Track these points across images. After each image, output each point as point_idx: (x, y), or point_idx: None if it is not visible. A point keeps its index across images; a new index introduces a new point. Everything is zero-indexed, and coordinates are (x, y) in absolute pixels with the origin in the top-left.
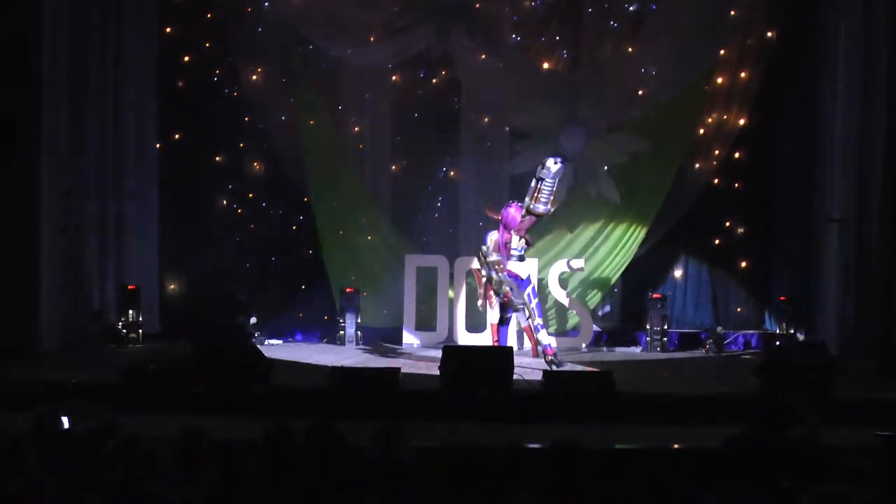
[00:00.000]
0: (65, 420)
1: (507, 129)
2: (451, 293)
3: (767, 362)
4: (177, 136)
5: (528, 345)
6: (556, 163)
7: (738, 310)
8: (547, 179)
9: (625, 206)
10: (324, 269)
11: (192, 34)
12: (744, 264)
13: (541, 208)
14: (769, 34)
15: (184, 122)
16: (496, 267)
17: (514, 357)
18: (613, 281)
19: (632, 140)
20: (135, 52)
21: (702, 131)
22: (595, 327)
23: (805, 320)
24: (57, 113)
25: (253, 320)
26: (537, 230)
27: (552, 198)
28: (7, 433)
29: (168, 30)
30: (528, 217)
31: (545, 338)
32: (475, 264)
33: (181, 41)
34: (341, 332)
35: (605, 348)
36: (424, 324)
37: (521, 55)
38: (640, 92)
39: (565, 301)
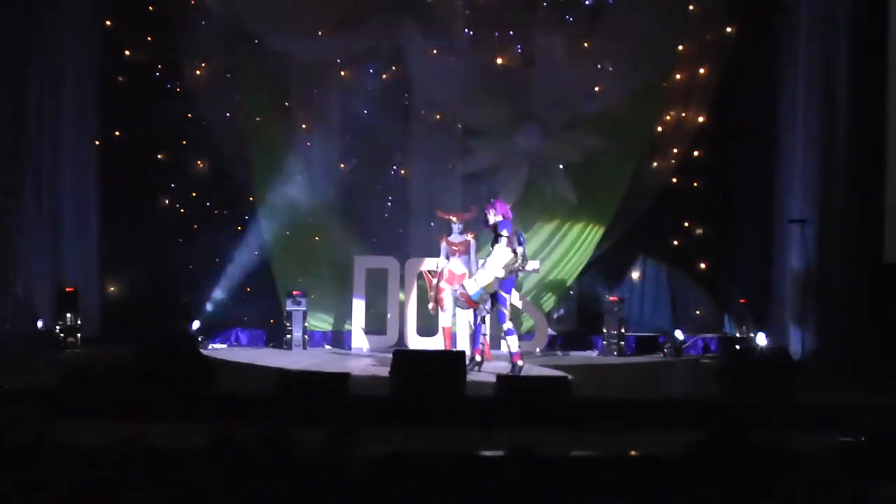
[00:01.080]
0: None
1: (460, 126)
2: (401, 296)
3: (727, 366)
4: (117, 133)
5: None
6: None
7: (698, 312)
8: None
9: (581, 205)
10: (270, 271)
11: (134, 27)
12: (703, 266)
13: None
14: (728, 29)
15: (124, 118)
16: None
17: (466, 361)
18: (569, 283)
19: (588, 138)
20: (73, 45)
21: (660, 129)
22: (550, 331)
23: (765, 323)
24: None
25: (196, 324)
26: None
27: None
28: None
29: (108, 23)
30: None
31: (516, 343)
32: (424, 266)
33: (122, 35)
34: (288, 336)
35: (560, 352)
36: (374, 327)
37: (474, 50)
38: (597, 88)
39: (519, 304)
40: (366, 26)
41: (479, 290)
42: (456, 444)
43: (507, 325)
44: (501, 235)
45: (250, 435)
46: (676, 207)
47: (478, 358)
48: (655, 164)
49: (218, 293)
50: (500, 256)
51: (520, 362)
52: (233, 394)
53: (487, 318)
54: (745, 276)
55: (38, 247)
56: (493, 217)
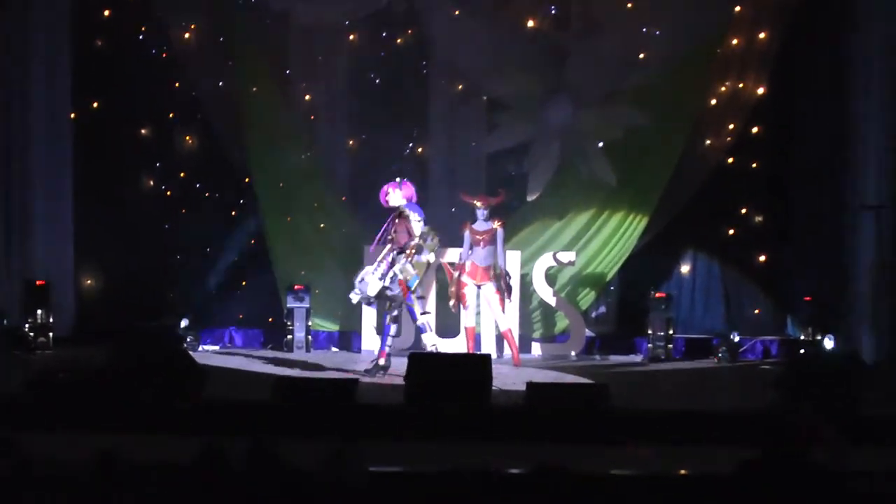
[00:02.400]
0: None
1: (484, 98)
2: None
3: (788, 373)
4: (94, 105)
5: (508, 352)
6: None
7: (756, 312)
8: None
9: (622, 189)
10: (268, 263)
11: None
12: (762, 258)
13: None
14: None
15: (102, 88)
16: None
17: (493, 366)
18: (609, 278)
19: (630, 112)
20: (43, 3)
21: (713, 102)
22: (587, 332)
23: (833, 325)
24: None
25: (184, 323)
26: (518, 220)
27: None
28: None
29: None
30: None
31: (431, 340)
32: (445, 258)
33: None
34: (288, 337)
35: (598, 356)
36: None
37: (501, 12)
38: (641, 56)
39: (552, 301)
40: None
41: (415, 277)
42: (478, 461)
43: (422, 319)
44: (416, 220)
45: (242, 449)
46: (731, 191)
47: (382, 362)
48: (707, 141)
49: (209, 287)
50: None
51: (382, 361)
52: (224, 402)
53: (429, 320)
54: (810, 270)
55: (4, 234)
56: (396, 198)
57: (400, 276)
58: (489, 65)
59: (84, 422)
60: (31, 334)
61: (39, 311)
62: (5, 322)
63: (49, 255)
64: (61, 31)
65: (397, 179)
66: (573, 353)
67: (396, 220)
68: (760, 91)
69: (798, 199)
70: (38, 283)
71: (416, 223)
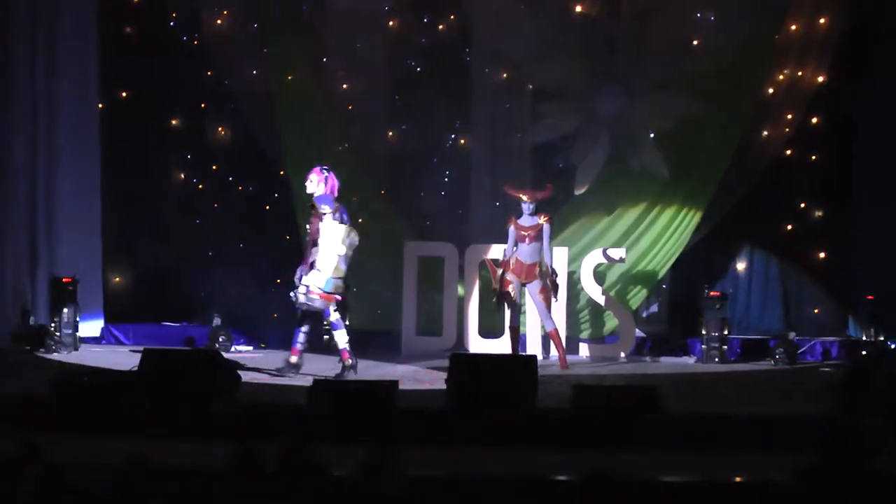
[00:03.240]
0: None
1: (530, 86)
2: (460, 290)
3: (850, 376)
4: (123, 95)
5: (554, 354)
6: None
7: (815, 311)
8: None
9: (674, 182)
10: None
11: None
12: (822, 255)
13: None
14: None
15: (131, 77)
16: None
17: (538, 369)
18: (661, 275)
19: (683, 101)
20: None
21: (770, 91)
22: (638, 332)
23: None
24: None
25: (216, 321)
26: (565, 215)
27: None
28: None
29: None
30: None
31: (343, 338)
32: (489, 254)
33: None
34: (326, 337)
35: (649, 358)
36: (428, 327)
37: None
38: (694, 42)
39: (601, 300)
40: None
41: (329, 279)
42: (524, 467)
43: (335, 316)
44: (325, 213)
45: (277, 455)
46: (790, 185)
47: (293, 359)
48: (765, 132)
49: (242, 284)
50: (335, 232)
51: (349, 360)
52: (258, 406)
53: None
54: (872, 267)
55: (29, 229)
56: (312, 186)
57: (313, 289)
58: (535, 52)
59: (113, 425)
60: (57, 334)
61: (66, 310)
62: (31, 321)
63: (76, 251)
64: (88, 18)
65: (323, 168)
66: (622, 355)
67: (313, 214)
68: (820, 79)
69: (859, 193)
70: (64, 280)
71: (330, 222)
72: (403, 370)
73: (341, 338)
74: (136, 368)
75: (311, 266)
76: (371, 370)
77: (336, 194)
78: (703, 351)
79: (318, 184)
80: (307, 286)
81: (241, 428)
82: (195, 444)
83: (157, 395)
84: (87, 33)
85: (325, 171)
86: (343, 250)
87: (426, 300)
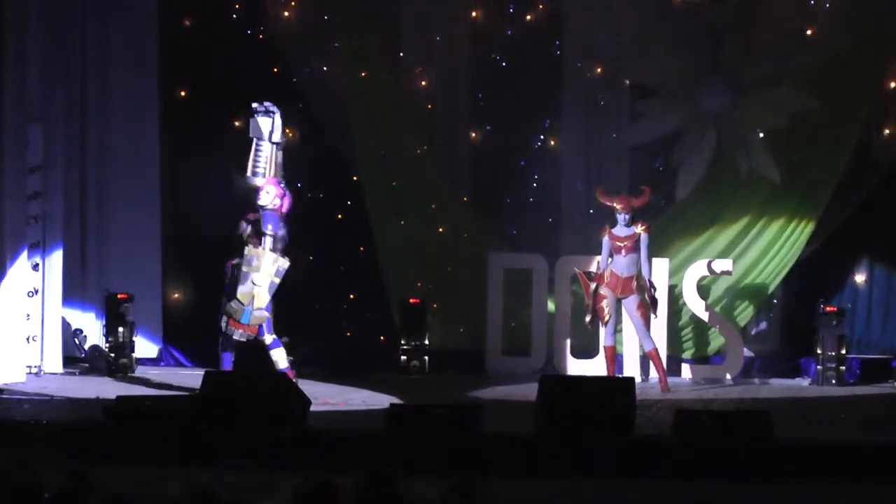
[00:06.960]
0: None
1: (627, 82)
2: (550, 305)
3: None
4: (182, 94)
5: (654, 375)
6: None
7: None
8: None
9: (786, 187)
10: (379, 273)
11: None
12: None
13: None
14: None
15: (191, 74)
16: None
17: (637, 392)
18: (771, 290)
19: (796, 97)
20: None
21: (893, 85)
22: (746, 351)
23: None
24: (20, 69)
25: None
26: (666, 224)
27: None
28: None
29: None
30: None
31: (283, 358)
32: (581, 266)
33: None
34: (403, 357)
35: (758, 380)
36: (515, 346)
37: None
38: (809, 31)
39: (705, 316)
40: None
41: (247, 311)
42: (621, 500)
43: (269, 338)
44: (266, 234)
45: (353, 486)
46: None
47: None
48: (886, 131)
49: (311, 300)
50: (266, 260)
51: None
52: (330, 432)
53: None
54: None
55: (81, 239)
56: (271, 201)
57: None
58: (633, 44)
59: (174, 454)
60: (112, 355)
61: (121, 329)
62: (83, 340)
63: (131, 264)
64: (146, 11)
65: (282, 184)
66: (729, 377)
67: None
68: None
69: None
70: (119, 295)
71: (267, 249)
72: (489, 392)
73: (280, 357)
74: (197, 392)
75: (235, 287)
76: (454, 394)
77: (287, 214)
78: (819, 372)
79: (273, 198)
80: (226, 317)
81: (314, 457)
82: (263, 475)
83: (220, 421)
84: (145, 27)
85: (283, 188)
86: (267, 281)
87: (513, 317)
